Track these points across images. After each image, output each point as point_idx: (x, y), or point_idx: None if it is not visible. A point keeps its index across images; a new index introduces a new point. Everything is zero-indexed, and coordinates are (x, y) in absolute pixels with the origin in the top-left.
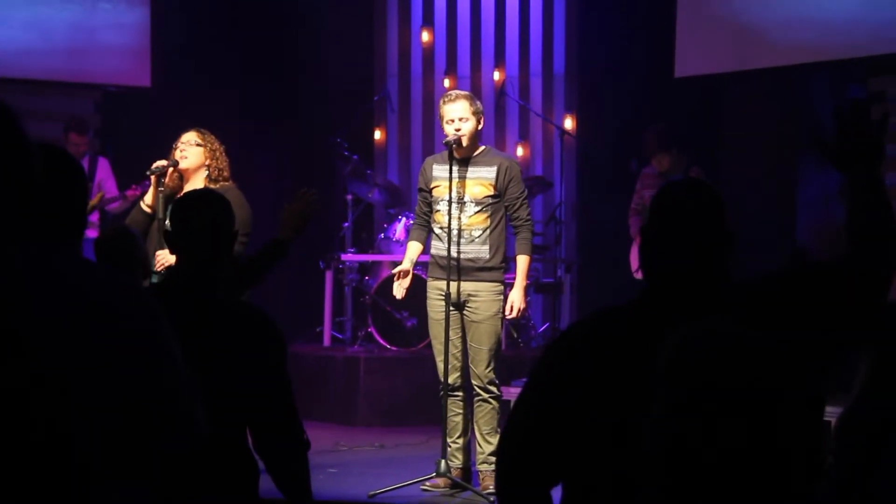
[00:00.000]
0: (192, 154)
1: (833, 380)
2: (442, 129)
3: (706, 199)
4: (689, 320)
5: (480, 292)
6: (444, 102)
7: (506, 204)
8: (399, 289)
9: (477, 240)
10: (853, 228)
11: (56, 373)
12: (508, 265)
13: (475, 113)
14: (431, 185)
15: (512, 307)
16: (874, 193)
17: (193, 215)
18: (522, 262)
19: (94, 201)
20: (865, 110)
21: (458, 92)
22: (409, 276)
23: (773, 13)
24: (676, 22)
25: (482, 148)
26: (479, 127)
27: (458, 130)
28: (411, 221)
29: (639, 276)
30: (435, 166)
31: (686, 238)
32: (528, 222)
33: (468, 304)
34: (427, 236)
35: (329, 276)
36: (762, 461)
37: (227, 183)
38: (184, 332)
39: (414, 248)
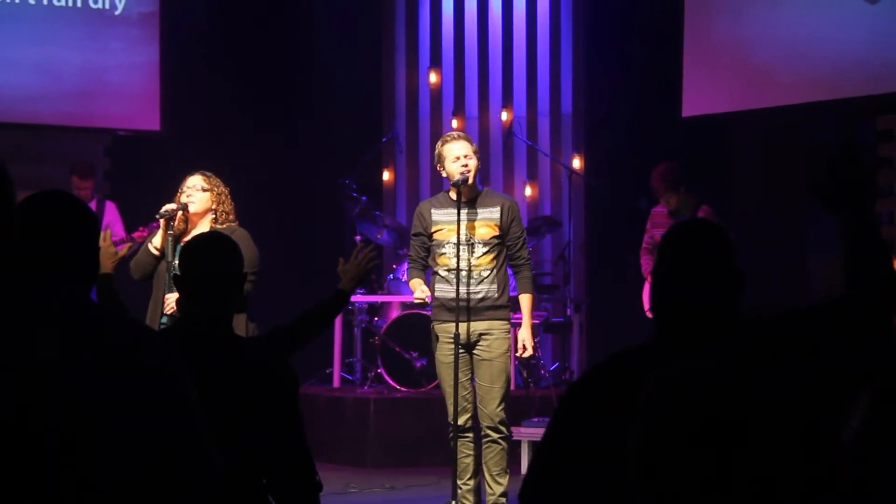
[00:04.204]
0: (198, 199)
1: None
2: (441, 172)
3: (712, 236)
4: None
5: (492, 331)
6: (446, 142)
7: (507, 243)
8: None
9: (486, 280)
10: (848, 270)
11: (71, 411)
12: (513, 304)
13: (475, 152)
14: (432, 230)
15: (523, 346)
16: (866, 235)
17: (202, 259)
18: (527, 300)
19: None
20: (856, 153)
21: (457, 132)
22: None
23: (780, 52)
24: (683, 61)
25: (482, 189)
26: (478, 166)
27: (465, 167)
28: None
29: (652, 315)
30: (433, 210)
31: (693, 276)
32: (529, 261)
33: (479, 344)
34: (426, 277)
35: (338, 317)
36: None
37: (233, 224)
38: (195, 374)
39: (419, 278)
